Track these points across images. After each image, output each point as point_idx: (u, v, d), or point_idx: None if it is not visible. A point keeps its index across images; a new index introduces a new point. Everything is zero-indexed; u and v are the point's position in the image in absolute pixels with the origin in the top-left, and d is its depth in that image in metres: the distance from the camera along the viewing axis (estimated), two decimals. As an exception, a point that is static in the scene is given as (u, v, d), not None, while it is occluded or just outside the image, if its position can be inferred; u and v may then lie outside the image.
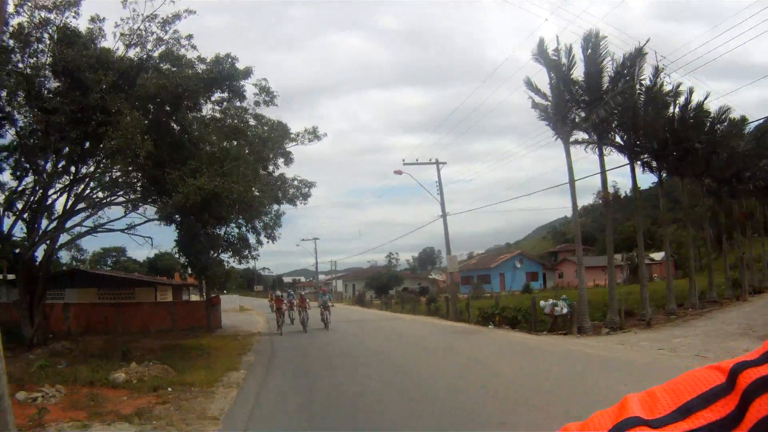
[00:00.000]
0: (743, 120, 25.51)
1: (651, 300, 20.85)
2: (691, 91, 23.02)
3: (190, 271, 30.62)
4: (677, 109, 23.14)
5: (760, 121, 25.75)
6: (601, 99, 20.44)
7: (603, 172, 21.53)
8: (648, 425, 0.46)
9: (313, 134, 21.02)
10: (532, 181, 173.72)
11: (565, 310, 18.47)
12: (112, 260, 75.90)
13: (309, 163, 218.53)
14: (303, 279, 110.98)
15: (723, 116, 24.74)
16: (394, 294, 53.05)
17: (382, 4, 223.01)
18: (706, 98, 23.41)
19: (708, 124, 24.28)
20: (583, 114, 21.02)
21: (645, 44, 20.30)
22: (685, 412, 0.46)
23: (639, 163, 23.75)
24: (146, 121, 13.95)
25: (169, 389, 10.51)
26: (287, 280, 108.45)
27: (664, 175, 25.50)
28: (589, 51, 20.70)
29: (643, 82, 21.41)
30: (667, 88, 22.48)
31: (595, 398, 7.98)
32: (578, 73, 21.24)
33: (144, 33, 15.56)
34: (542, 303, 20.01)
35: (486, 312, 23.95)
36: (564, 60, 20.79)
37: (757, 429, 0.43)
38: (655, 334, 17.42)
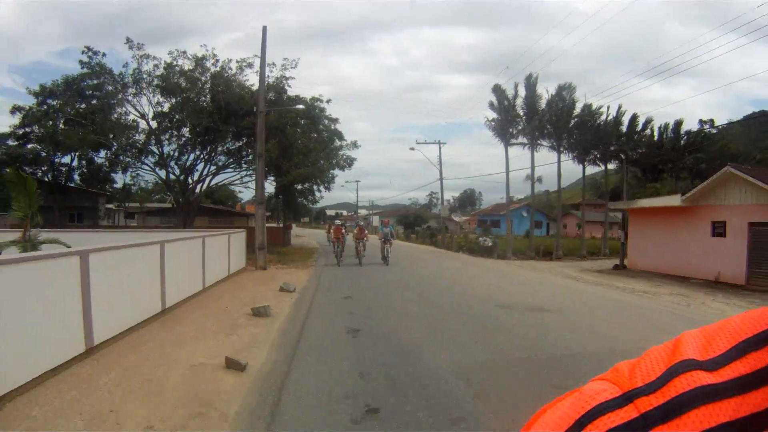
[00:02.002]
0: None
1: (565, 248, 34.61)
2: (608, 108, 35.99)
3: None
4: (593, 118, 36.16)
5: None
6: (536, 115, 33.72)
7: (532, 165, 34.96)
8: (702, 368, 0.47)
9: (353, 145, 35.12)
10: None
11: (489, 243, 32.29)
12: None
13: (360, 99, 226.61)
14: (345, 212, 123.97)
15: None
16: (420, 230, 67.35)
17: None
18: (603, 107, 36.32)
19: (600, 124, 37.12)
20: (520, 126, 34.32)
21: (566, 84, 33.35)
22: (740, 352, 0.46)
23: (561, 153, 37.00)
24: (274, 139, 27.84)
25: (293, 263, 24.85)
26: (330, 213, 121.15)
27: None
28: (527, 88, 33.87)
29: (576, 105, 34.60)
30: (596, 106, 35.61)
31: (473, 277, 21.51)
32: (527, 101, 34.64)
33: (270, 80, 29.20)
34: (480, 239, 33.87)
35: (460, 244, 38.12)
36: (510, 92, 34.06)
37: None
38: (540, 263, 30.99)
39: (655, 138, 42.02)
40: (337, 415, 5.58)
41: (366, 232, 26.68)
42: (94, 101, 29.56)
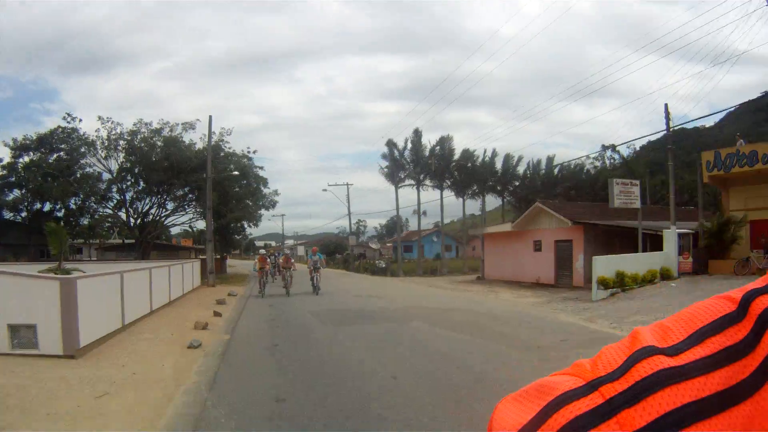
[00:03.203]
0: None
1: (452, 267, 44.23)
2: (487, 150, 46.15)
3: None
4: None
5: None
6: (421, 161, 43.47)
7: (418, 201, 44.64)
8: (663, 353, 0.48)
9: (275, 193, 44.00)
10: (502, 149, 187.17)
11: (383, 265, 41.45)
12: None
13: (286, 128, 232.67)
14: (273, 243, 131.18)
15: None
16: (340, 257, 76.06)
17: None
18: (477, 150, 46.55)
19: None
20: (408, 171, 44.01)
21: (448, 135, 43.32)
22: (699, 338, 0.48)
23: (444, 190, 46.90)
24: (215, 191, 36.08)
25: (231, 283, 33.02)
26: (259, 243, 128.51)
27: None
28: (413, 142, 43.68)
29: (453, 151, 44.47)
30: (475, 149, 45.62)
31: (356, 285, 30.40)
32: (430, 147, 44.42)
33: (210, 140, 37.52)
34: (376, 262, 43.04)
35: (365, 267, 47.30)
36: (401, 145, 43.77)
37: None
38: (422, 278, 40.20)
39: (528, 173, 52.68)
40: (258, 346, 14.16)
41: (293, 260, 27.02)
42: (62, 154, 36.73)
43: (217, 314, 16.46)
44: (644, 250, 23.69)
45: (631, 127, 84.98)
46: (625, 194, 23.29)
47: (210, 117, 31.21)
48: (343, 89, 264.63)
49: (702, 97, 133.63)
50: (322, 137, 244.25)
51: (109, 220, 41.07)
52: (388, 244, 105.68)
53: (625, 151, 63.58)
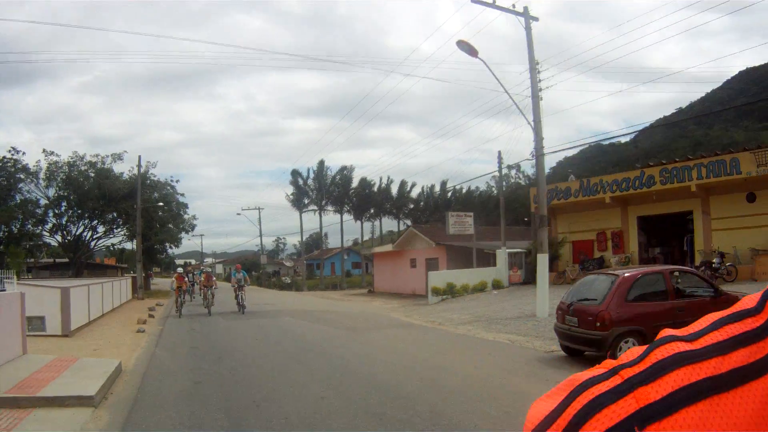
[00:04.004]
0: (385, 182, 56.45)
1: (352, 283, 51.29)
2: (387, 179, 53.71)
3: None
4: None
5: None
6: (323, 188, 50.56)
7: (320, 224, 51.66)
8: (682, 340, 0.52)
9: (193, 218, 50.01)
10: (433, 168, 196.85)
11: (288, 281, 48.14)
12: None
13: (206, 144, 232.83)
14: (193, 261, 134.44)
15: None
16: (255, 275, 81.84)
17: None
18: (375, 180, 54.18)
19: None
20: (312, 198, 51.06)
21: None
22: (717, 326, 0.52)
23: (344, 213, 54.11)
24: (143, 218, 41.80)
25: (157, 296, 38.80)
26: (179, 261, 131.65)
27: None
28: (317, 172, 50.77)
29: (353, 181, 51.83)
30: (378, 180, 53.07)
31: (263, 297, 36.90)
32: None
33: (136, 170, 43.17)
34: (283, 278, 49.74)
35: (275, 283, 53.86)
36: (305, 175, 50.79)
37: None
38: (322, 292, 47.06)
39: (423, 197, 60.62)
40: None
41: (214, 278, 26.73)
42: (2, 180, 41.21)
43: (151, 316, 22.78)
44: (489, 265, 31.12)
45: (551, 141, 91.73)
46: (459, 224, 31.09)
47: (139, 157, 37.65)
48: (263, 106, 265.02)
49: (620, 112, 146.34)
50: (241, 154, 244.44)
51: (44, 242, 45.77)
52: (304, 262, 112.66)
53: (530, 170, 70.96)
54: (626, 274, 9.91)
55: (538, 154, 17.31)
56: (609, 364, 0.56)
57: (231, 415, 7.39)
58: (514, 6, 17.48)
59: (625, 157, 67.37)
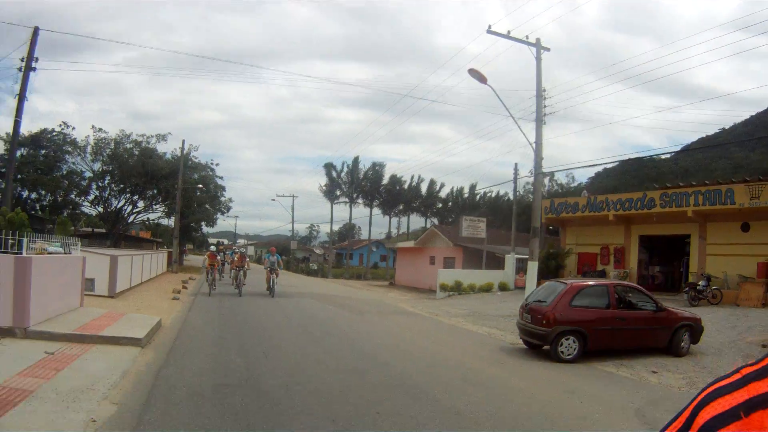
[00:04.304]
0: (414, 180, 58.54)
1: (376, 274, 53.66)
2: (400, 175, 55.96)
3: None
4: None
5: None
6: (355, 182, 52.92)
7: (350, 214, 54.06)
8: None
9: (229, 200, 52.85)
10: (471, 168, 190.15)
11: (315, 267, 50.63)
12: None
13: (247, 127, 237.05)
14: (226, 241, 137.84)
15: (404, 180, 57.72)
16: (285, 259, 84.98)
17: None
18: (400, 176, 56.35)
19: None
20: (344, 190, 53.46)
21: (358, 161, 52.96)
22: None
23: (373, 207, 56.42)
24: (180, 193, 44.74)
25: (190, 271, 41.71)
26: (212, 240, 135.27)
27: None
28: (352, 165, 53.14)
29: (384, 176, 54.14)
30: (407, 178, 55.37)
31: (290, 281, 39.41)
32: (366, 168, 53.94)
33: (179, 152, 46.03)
34: (311, 265, 52.29)
35: (302, 269, 56.49)
36: (339, 168, 53.22)
37: None
38: (346, 281, 49.46)
39: (451, 198, 62.55)
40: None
41: (247, 259, 26.27)
42: (50, 152, 44.37)
43: (184, 287, 25.38)
44: (501, 268, 32.99)
45: (593, 152, 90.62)
46: (472, 227, 33.02)
47: (183, 141, 41.94)
48: (306, 93, 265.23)
49: (662, 128, 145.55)
50: (282, 140, 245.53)
51: (82, 211, 48.95)
52: (334, 251, 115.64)
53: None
54: (574, 284, 11.88)
55: (536, 172, 19.26)
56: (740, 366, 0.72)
57: (248, 359, 9.76)
58: (527, 37, 19.42)
59: (664, 173, 67.50)
